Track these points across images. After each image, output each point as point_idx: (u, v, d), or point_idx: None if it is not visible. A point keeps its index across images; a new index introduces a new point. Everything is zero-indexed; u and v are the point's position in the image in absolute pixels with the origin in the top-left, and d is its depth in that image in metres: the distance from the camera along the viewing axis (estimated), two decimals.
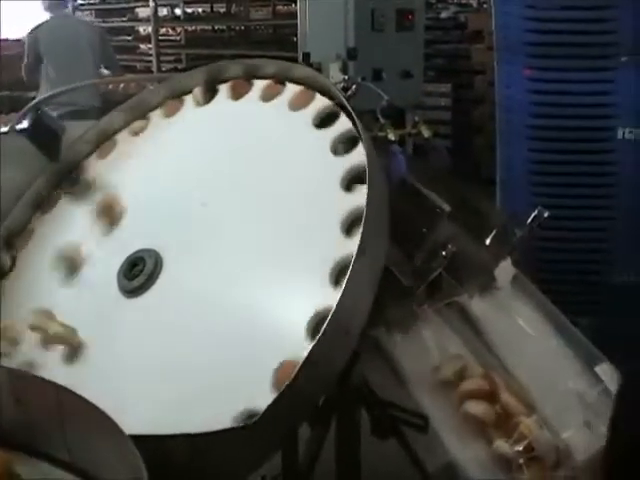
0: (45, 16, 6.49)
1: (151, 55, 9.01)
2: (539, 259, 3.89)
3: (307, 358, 1.61)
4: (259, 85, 2.22)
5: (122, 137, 2.38)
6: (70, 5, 9.62)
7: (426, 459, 2.14)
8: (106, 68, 6.46)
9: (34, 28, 6.39)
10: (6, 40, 8.79)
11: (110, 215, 2.16)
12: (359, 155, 1.92)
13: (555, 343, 2.51)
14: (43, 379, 1.58)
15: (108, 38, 7.08)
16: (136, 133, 2.35)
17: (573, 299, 3.96)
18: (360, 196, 1.82)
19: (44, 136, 2.27)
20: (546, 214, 2.58)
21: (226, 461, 1.64)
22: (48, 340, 1.96)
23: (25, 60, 6.39)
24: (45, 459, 1.57)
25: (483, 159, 5.87)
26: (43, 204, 2.33)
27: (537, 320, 2.54)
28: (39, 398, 1.55)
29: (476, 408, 2.18)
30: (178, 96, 2.35)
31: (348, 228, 1.83)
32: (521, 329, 2.50)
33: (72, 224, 2.24)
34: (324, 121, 2.05)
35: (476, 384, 2.22)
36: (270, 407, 1.57)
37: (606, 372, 2.38)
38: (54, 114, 5.55)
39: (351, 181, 1.91)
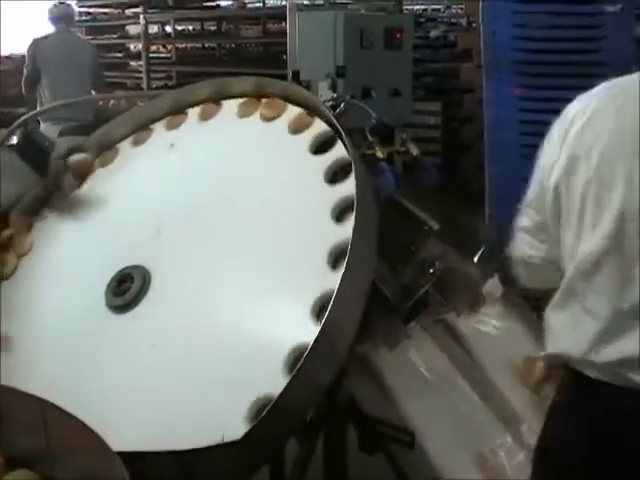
0: (38, 32, 6.51)
1: (141, 72, 9.00)
2: None
3: (292, 377, 1.61)
4: (262, 104, 2.23)
5: (123, 147, 2.39)
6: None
7: (413, 475, 2.15)
8: (93, 85, 6.47)
9: (34, 41, 6.42)
10: None
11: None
12: (351, 185, 1.89)
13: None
14: (28, 394, 1.57)
15: (98, 56, 7.09)
16: (138, 144, 2.36)
17: None
18: (349, 228, 1.81)
19: (32, 152, 2.27)
20: None
21: (212, 477, 1.63)
22: None
23: (25, 72, 6.42)
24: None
25: (472, 177, 5.88)
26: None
27: (524, 337, 2.54)
28: (24, 413, 1.54)
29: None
30: (182, 109, 2.36)
31: (335, 260, 1.83)
32: (508, 346, 2.50)
33: (62, 239, 2.24)
34: (320, 147, 2.06)
35: None
36: (257, 424, 1.57)
37: None
38: (56, 129, 5.60)
39: (342, 212, 1.90)
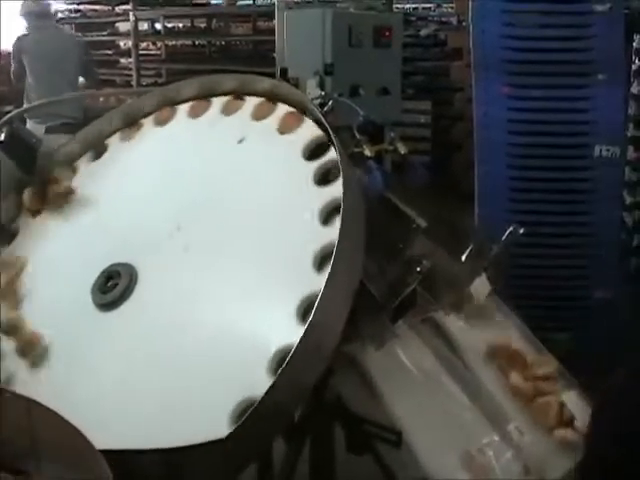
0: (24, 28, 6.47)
1: (131, 69, 9.01)
2: (515, 275, 3.90)
3: (278, 377, 1.61)
4: (251, 102, 2.22)
5: (112, 142, 2.38)
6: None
7: (401, 475, 2.14)
8: (84, 78, 6.42)
9: (19, 37, 6.38)
10: None
11: None
12: (339, 187, 1.88)
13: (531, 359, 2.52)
14: (14, 393, 1.56)
15: (89, 51, 7.05)
16: (126, 140, 2.36)
17: (550, 315, 3.98)
18: (336, 231, 1.80)
19: (19, 149, 2.26)
20: (521, 231, 2.59)
21: (199, 476, 1.63)
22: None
23: (12, 66, 6.40)
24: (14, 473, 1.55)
25: (462, 175, 5.88)
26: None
27: (512, 336, 2.55)
28: (9, 412, 1.53)
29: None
30: (171, 104, 2.35)
31: (320, 263, 1.82)
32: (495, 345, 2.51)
33: (49, 236, 2.23)
34: (313, 151, 2.05)
35: None
36: (242, 422, 1.57)
37: (573, 401, 2.37)
38: (43, 126, 5.57)
39: (330, 214, 1.89)
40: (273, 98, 2.19)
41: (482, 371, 2.38)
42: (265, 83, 2.22)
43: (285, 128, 2.11)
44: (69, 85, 6.14)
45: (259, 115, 2.17)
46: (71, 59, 6.34)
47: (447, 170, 6.88)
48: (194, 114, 2.29)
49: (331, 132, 1.99)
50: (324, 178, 1.98)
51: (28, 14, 6.39)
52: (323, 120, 2.04)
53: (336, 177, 1.94)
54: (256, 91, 2.22)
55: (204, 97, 2.30)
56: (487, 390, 2.33)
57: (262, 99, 2.20)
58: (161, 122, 2.34)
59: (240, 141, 2.13)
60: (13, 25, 6.78)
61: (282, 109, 2.16)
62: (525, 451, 2.20)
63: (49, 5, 6.91)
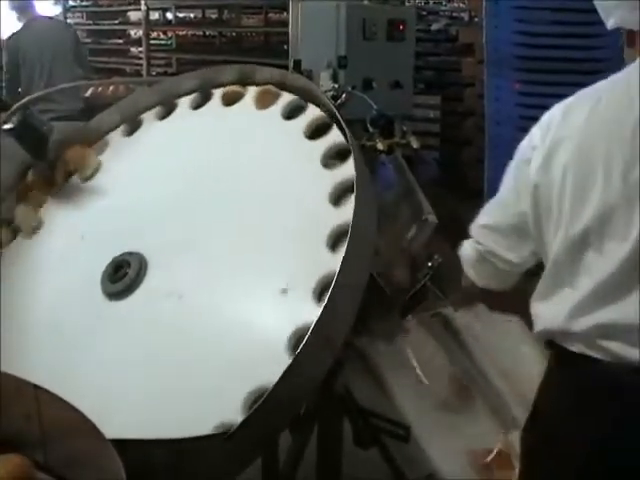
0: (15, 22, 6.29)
1: (141, 59, 8.98)
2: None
3: (288, 368, 1.60)
4: (253, 92, 2.22)
5: (113, 137, 2.37)
6: (61, 6, 9.61)
7: (408, 470, 2.14)
8: (80, 67, 6.29)
9: (11, 35, 6.20)
10: None
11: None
12: (349, 169, 1.88)
13: (538, 356, 2.51)
14: (21, 379, 1.56)
15: (80, 40, 6.86)
16: (129, 133, 2.35)
17: None
18: (347, 211, 1.80)
19: (31, 136, 2.26)
20: None
21: (205, 467, 1.63)
22: None
23: (5, 74, 6.20)
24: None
25: (471, 171, 5.87)
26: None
27: (521, 332, 2.54)
28: (16, 399, 1.53)
29: None
30: (173, 98, 2.35)
31: (334, 243, 1.82)
32: (504, 341, 2.50)
33: (58, 226, 2.23)
34: (316, 132, 2.04)
35: None
36: (250, 415, 1.57)
37: None
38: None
39: (340, 195, 1.89)
40: (282, 88, 2.19)
41: (490, 367, 2.37)
42: (273, 73, 2.22)
43: (290, 113, 2.11)
44: (67, 75, 5.99)
45: (265, 103, 2.17)
46: (66, 47, 6.22)
47: (456, 166, 6.86)
48: (197, 104, 2.29)
49: (342, 121, 1.98)
50: (332, 160, 1.98)
51: (18, 7, 6.23)
52: (333, 109, 2.02)
53: (342, 161, 1.94)
54: (264, 80, 2.22)
55: (208, 88, 2.30)
56: (495, 386, 2.32)
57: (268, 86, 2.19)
58: (162, 117, 2.34)
59: None
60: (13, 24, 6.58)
61: (286, 97, 2.16)
62: None
63: None
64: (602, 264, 1.63)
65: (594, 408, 1.65)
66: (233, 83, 2.25)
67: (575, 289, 1.67)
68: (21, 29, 6.19)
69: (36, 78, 6.02)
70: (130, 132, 2.36)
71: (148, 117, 2.35)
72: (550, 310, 1.72)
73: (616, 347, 1.61)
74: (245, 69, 2.25)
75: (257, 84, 2.21)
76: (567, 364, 1.71)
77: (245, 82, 2.23)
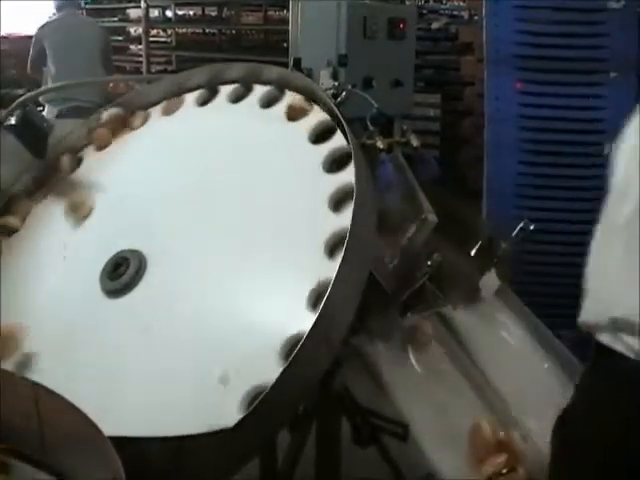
0: (37, 13, 6.48)
1: (141, 56, 8.98)
2: (524, 272, 3.89)
3: (287, 367, 1.60)
4: (258, 90, 2.21)
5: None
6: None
7: (406, 469, 2.14)
8: (103, 66, 6.41)
9: (42, 25, 6.38)
10: None
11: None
12: (350, 174, 1.87)
13: (538, 356, 2.51)
14: (20, 377, 1.56)
15: (109, 41, 7.00)
16: (133, 127, 2.35)
17: (557, 312, 3.96)
18: (347, 217, 1.79)
19: (31, 133, 2.25)
20: (532, 227, 2.58)
21: (203, 465, 1.62)
22: None
23: (31, 55, 6.37)
24: (20, 458, 1.55)
25: (470, 171, 5.87)
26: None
27: (520, 332, 2.54)
28: (15, 396, 1.53)
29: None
30: (179, 94, 2.34)
31: (331, 250, 1.81)
32: (504, 341, 2.50)
33: (56, 222, 2.23)
34: (319, 136, 2.04)
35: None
36: (248, 414, 1.56)
37: None
38: (55, 110, 5.54)
39: (340, 201, 1.88)
40: (283, 87, 2.18)
41: (489, 366, 2.37)
42: (274, 72, 2.22)
43: (294, 115, 2.10)
44: (89, 71, 6.08)
45: (268, 103, 2.17)
46: (93, 46, 6.32)
47: (455, 165, 6.86)
48: (202, 102, 2.29)
49: (341, 117, 1.98)
50: (333, 166, 1.97)
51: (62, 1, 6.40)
52: (335, 109, 2.02)
53: (344, 165, 1.94)
54: (266, 80, 2.21)
55: (213, 85, 2.29)
56: (494, 386, 2.32)
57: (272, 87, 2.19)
58: (167, 112, 2.34)
59: None
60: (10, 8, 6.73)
61: (290, 97, 2.15)
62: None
63: None
64: None
65: (625, 405, 1.66)
66: (240, 81, 2.25)
67: None
68: (51, 21, 6.32)
69: (61, 70, 6.09)
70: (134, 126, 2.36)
71: (153, 112, 2.36)
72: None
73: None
74: (253, 68, 2.25)
75: (263, 83, 2.21)
76: (603, 360, 1.72)
77: (253, 81, 2.24)
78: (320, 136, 2.03)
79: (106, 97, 5.93)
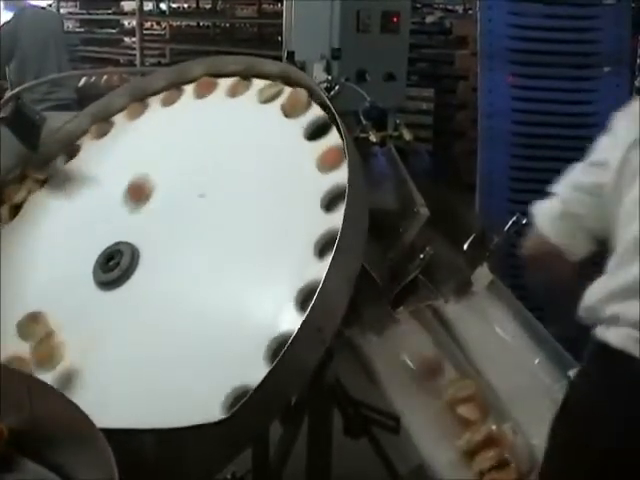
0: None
1: (135, 49, 8.97)
2: (516, 265, 3.89)
3: (278, 361, 1.61)
4: (257, 85, 2.21)
5: (118, 120, 2.38)
6: None
7: (398, 461, 2.15)
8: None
9: (16, 14, 6.23)
10: None
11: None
12: (344, 173, 1.87)
13: (530, 349, 2.52)
14: (13, 369, 1.56)
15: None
16: (132, 118, 2.35)
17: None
18: (338, 218, 1.79)
19: (24, 126, 2.25)
20: (524, 221, 2.59)
21: (195, 456, 1.63)
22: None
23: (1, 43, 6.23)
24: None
25: (463, 164, 5.87)
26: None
27: (512, 326, 2.55)
28: (10, 389, 1.53)
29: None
30: (178, 85, 2.34)
31: (322, 250, 1.81)
32: (496, 334, 2.51)
33: (51, 214, 2.23)
34: (314, 133, 2.04)
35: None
36: (241, 405, 1.57)
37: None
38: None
39: (332, 200, 1.88)
40: (282, 82, 2.19)
41: (481, 359, 2.38)
42: (273, 66, 2.22)
43: (291, 112, 2.10)
44: (56, 65, 5.99)
45: (265, 97, 2.17)
46: (59, 38, 6.22)
47: (448, 158, 6.86)
48: (200, 94, 2.28)
49: (338, 118, 1.98)
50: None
51: None
52: (330, 105, 2.03)
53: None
54: (265, 74, 2.21)
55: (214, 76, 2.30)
56: (486, 378, 2.33)
57: (267, 81, 2.19)
58: (166, 103, 2.34)
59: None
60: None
61: (287, 92, 2.15)
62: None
63: None
64: None
65: (624, 404, 1.67)
66: (237, 74, 2.25)
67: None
68: (14, 17, 6.19)
69: (30, 66, 6.01)
70: (133, 117, 2.36)
71: (152, 103, 2.36)
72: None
73: None
74: (251, 61, 2.25)
75: (262, 76, 2.21)
76: (602, 358, 1.73)
77: (250, 74, 2.24)
78: (315, 133, 2.03)
79: (83, 92, 5.87)
